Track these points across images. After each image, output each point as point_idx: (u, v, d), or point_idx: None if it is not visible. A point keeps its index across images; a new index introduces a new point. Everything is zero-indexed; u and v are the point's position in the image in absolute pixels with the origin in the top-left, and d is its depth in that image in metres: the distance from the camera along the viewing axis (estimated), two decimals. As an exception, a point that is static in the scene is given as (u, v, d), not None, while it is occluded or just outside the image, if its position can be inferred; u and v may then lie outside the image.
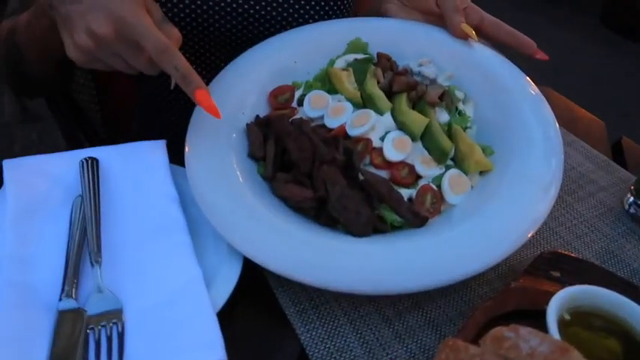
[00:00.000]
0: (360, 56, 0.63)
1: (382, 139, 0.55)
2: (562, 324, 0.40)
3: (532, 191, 0.50)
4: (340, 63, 0.63)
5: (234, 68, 0.63)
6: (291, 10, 0.68)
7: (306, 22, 0.69)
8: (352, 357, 0.45)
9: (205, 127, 0.56)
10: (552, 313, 0.39)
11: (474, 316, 0.43)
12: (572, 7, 2.82)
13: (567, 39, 2.56)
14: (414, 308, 0.49)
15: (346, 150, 0.53)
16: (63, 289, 0.45)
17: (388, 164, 0.54)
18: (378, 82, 0.60)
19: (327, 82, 0.62)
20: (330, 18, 0.70)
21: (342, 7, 0.72)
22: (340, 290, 0.46)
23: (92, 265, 0.47)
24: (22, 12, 0.65)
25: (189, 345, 0.43)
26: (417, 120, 0.55)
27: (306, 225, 0.51)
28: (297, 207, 0.52)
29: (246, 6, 0.67)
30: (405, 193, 0.52)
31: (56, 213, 0.51)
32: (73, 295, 0.45)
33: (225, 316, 0.45)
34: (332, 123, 0.57)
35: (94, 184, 0.53)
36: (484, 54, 0.62)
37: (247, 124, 0.58)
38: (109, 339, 0.43)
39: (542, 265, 0.48)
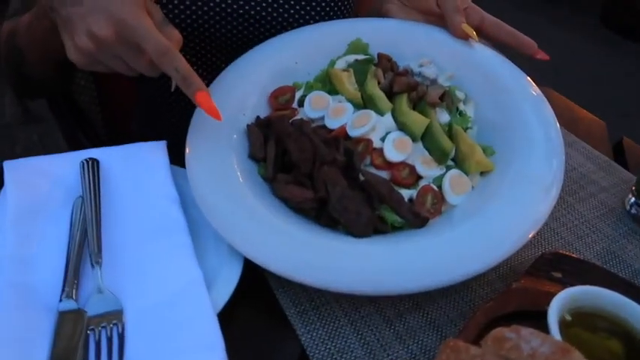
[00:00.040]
0: (360, 57, 0.63)
1: (383, 139, 0.55)
2: (563, 325, 0.40)
3: (533, 192, 0.50)
4: (341, 64, 0.63)
5: (234, 69, 0.63)
6: (291, 11, 0.68)
7: (306, 22, 0.69)
8: (353, 358, 0.45)
9: (206, 128, 0.56)
10: (553, 313, 0.39)
11: (475, 317, 0.43)
12: (572, 7, 2.82)
13: (567, 39, 2.56)
14: (414, 309, 0.49)
15: (347, 151, 0.53)
16: (63, 290, 0.45)
17: (389, 165, 0.54)
18: (379, 83, 0.60)
19: (327, 83, 0.62)
20: (330, 19, 0.70)
21: (342, 8, 0.72)
22: (341, 291, 0.46)
23: (92, 266, 0.47)
24: (24, 12, 0.65)
25: (189, 346, 0.43)
26: (417, 120, 0.55)
27: (306, 226, 0.50)
28: (298, 208, 0.52)
29: (247, 7, 0.67)
30: (406, 193, 0.52)
31: (57, 214, 0.51)
32: (74, 296, 0.45)
33: (226, 317, 0.45)
34: (332, 124, 0.57)
35: (94, 185, 0.53)
36: (485, 54, 0.62)
37: (248, 125, 0.58)
38: (110, 340, 0.43)
39: (544, 265, 0.48)
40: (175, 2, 0.64)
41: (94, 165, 0.55)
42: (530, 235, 0.47)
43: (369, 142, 0.55)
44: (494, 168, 0.54)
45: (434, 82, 0.60)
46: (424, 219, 0.50)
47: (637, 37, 2.56)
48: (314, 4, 0.69)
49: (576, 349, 0.35)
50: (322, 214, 0.51)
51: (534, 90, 0.58)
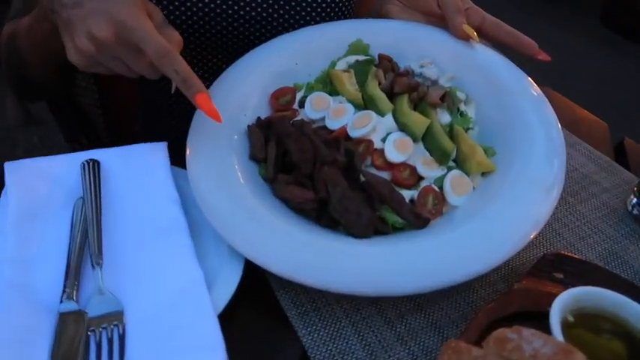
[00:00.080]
0: (361, 58, 0.63)
1: (383, 140, 0.55)
2: (565, 326, 0.39)
3: (534, 192, 0.50)
4: (341, 65, 0.63)
5: (235, 70, 0.63)
6: (292, 13, 0.69)
7: (307, 24, 0.69)
8: (354, 359, 0.45)
9: (206, 129, 0.56)
10: (556, 314, 0.39)
11: (476, 318, 0.43)
12: (572, 7, 2.82)
13: (568, 40, 2.56)
14: (416, 310, 0.49)
15: (347, 151, 0.53)
16: (64, 291, 0.45)
17: (389, 165, 0.54)
18: (380, 84, 0.59)
19: (328, 84, 0.61)
20: (331, 20, 0.70)
21: (343, 9, 0.72)
22: (342, 292, 0.46)
23: (93, 267, 0.47)
24: (25, 14, 0.65)
25: (190, 347, 0.43)
26: (418, 121, 0.55)
27: (307, 226, 0.50)
28: (299, 208, 0.52)
29: (247, 8, 0.67)
30: (407, 194, 0.52)
31: (57, 215, 0.51)
32: (74, 297, 0.45)
33: (227, 318, 0.45)
34: (333, 124, 0.57)
35: (95, 186, 0.53)
36: (486, 55, 0.62)
37: (248, 126, 0.58)
38: (110, 341, 0.43)
39: (545, 266, 0.48)
40: (176, 4, 0.64)
41: (94, 166, 0.55)
42: (531, 236, 0.47)
43: (369, 142, 0.54)
44: (495, 169, 0.53)
45: (435, 82, 0.60)
46: (425, 220, 0.50)
47: (637, 37, 2.56)
48: (314, 5, 0.69)
49: (579, 350, 0.35)
50: (323, 214, 0.51)
51: (535, 90, 0.58)
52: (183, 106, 0.60)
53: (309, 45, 0.64)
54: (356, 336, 0.46)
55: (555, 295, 0.40)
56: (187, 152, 0.55)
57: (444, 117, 0.57)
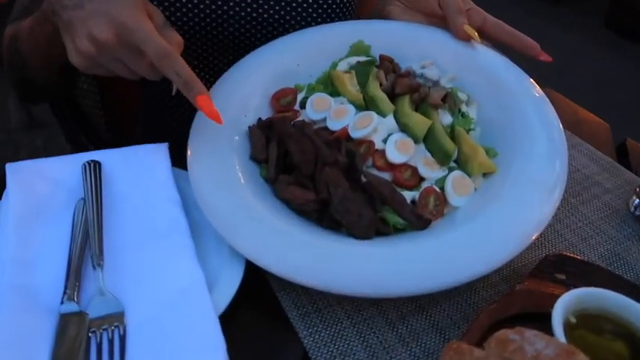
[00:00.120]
0: (362, 59, 0.63)
1: (385, 141, 0.55)
2: (568, 327, 0.39)
3: (536, 193, 0.50)
4: (343, 65, 0.63)
5: (236, 71, 0.63)
6: (293, 13, 0.69)
7: (308, 25, 0.69)
8: (355, 361, 0.45)
9: (207, 130, 0.56)
10: (558, 315, 0.39)
11: (478, 319, 0.43)
12: (574, 8, 2.82)
13: (570, 41, 2.56)
14: (417, 311, 0.48)
15: (349, 152, 0.53)
16: (65, 292, 0.45)
17: (391, 166, 0.54)
18: (381, 85, 0.59)
19: (329, 85, 0.61)
20: (332, 21, 0.70)
21: (344, 10, 0.72)
22: (343, 293, 0.46)
23: (94, 268, 0.47)
24: (27, 16, 0.65)
25: (191, 348, 0.43)
26: (419, 122, 0.55)
27: (308, 227, 0.50)
28: (300, 209, 0.52)
29: (248, 9, 0.67)
30: (408, 195, 0.52)
31: (58, 216, 0.51)
32: (75, 299, 0.45)
33: (227, 320, 0.45)
34: (334, 125, 0.57)
35: (96, 187, 0.53)
36: (487, 56, 0.61)
37: (249, 127, 0.58)
38: (111, 342, 0.43)
39: (548, 267, 0.48)
40: (177, 5, 0.64)
41: (95, 167, 0.55)
42: (533, 237, 0.47)
43: (371, 143, 0.54)
44: (496, 169, 0.53)
45: (436, 83, 0.60)
46: (426, 221, 0.50)
47: (639, 38, 2.56)
48: (316, 6, 0.69)
49: (581, 351, 0.35)
50: (324, 215, 0.51)
51: (537, 91, 0.58)
52: (184, 108, 0.60)
53: (311, 46, 0.64)
54: (357, 337, 0.46)
55: (557, 297, 0.40)
56: (188, 153, 0.55)
57: (446, 118, 0.57)
